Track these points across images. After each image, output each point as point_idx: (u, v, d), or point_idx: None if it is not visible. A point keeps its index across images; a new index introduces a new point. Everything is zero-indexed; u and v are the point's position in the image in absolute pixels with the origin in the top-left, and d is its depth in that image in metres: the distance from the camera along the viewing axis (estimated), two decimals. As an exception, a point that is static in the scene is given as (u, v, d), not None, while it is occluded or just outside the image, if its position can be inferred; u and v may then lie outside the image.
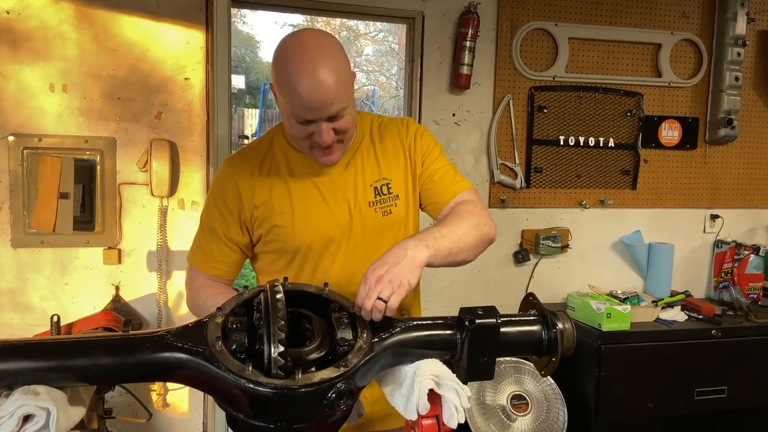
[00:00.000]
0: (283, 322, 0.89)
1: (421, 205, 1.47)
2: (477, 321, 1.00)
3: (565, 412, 2.54)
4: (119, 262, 2.35)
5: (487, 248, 1.37)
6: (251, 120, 12.75)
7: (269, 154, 1.40)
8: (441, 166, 1.44)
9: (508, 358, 2.55)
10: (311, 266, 1.37)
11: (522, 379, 2.56)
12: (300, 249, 1.36)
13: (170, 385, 2.44)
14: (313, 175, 1.37)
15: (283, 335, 0.88)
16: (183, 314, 2.44)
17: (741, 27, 2.96)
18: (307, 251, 1.36)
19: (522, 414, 2.48)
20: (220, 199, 1.39)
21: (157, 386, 2.43)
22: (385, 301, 1.03)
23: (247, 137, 11.17)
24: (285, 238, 1.36)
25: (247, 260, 1.49)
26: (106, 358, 0.89)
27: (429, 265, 1.17)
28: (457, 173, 1.47)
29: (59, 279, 2.31)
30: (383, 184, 1.39)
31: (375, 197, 1.38)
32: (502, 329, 1.02)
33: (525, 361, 2.58)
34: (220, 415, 2.46)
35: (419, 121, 2.74)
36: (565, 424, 2.52)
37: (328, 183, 1.37)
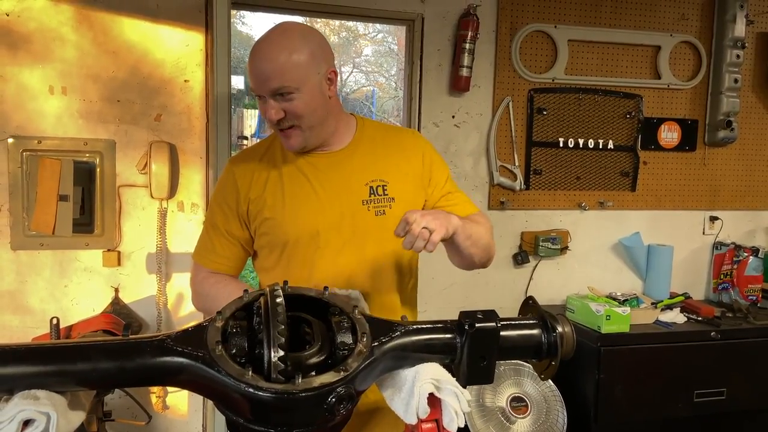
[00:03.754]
0: (283, 327, 0.89)
1: None
2: (477, 325, 1.00)
3: (565, 414, 2.54)
4: (119, 264, 2.35)
5: (487, 265, 1.45)
6: (251, 121, 12.73)
7: (269, 152, 1.44)
8: (455, 190, 1.51)
9: (508, 360, 2.55)
10: (299, 260, 1.38)
11: (521, 381, 2.56)
12: (288, 242, 1.38)
13: (170, 387, 2.44)
14: (308, 171, 1.40)
15: (283, 340, 0.88)
16: (182, 316, 2.44)
17: (740, 29, 2.97)
18: (295, 244, 1.38)
19: (521, 416, 2.48)
20: (221, 196, 1.45)
21: (156, 389, 2.43)
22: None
23: (246, 138, 11.16)
24: (274, 231, 1.38)
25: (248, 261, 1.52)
26: (107, 362, 0.89)
27: (453, 237, 1.25)
28: (468, 198, 1.54)
29: (59, 281, 2.31)
30: (379, 185, 1.40)
31: (369, 196, 1.39)
32: (501, 333, 1.02)
33: (525, 363, 2.58)
34: (220, 417, 2.46)
35: (419, 123, 2.75)
36: (565, 426, 2.52)
37: (321, 178, 1.39)
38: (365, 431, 1.40)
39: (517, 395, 2.52)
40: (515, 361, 2.58)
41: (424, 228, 1.16)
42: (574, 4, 2.86)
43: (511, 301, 2.84)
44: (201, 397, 2.48)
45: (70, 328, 2.05)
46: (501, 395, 2.50)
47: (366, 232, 1.39)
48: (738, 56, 2.98)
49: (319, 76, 1.31)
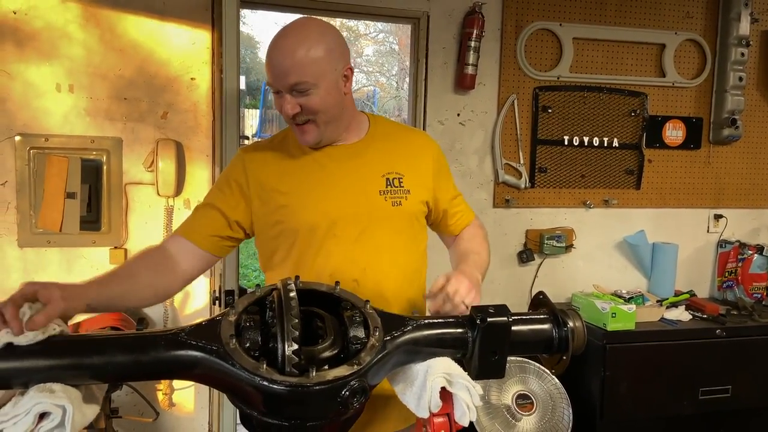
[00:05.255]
0: (296, 320, 0.89)
1: (429, 219, 1.53)
2: (488, 319, 1.01)
3: (570, 411, 2.54)
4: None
5: None
6: (252, 120, 12.75)
7: (283, 143, 1.45)
8: (458, 194, 1.56)
9: (513, 358, 2.55)
10: (314, 249, 1.37)
11: (527, 379, 2.56)
12: (304, 230, 1.37)
13: (176, 384, 2.45)
14: (324, 161, 1.40)
15: (297, 333, 0.88)
16: (189, 314, 2.45)
17: (745, 27, 2.96)
18: (311, 232, 1.37)
19: (527, 413, 2.49)
20: (223, 180, 1.44)
21: (163, 386, 2.44)
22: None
23: (247, 138, 11.17)
24: (290, 218, 1.38)
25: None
26: (122, 356, 0.90)
27: None
28: (466, 202, 1.60)
29: (65, 278, 2.30)
30: (395, 177, 1.41)
31: (386, 187, 1.40)
32: (513, 327, 1.03)
33: (530, 361, 2.58)
34: (227, 414, 2.47)
35: (424, 121, 2.75)
36: (570, 424, 2.52)
37: (338, 168, 1.40)
38: (376, 424, 1.40)
39: (522, 393, 2.52)
40: (521, 359, 2.58)
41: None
42: (579, 2, 2.86)
43: (516, 299, 2.84)
44: (207, 395, 2.49)
45: (78, 325, 2.05)
46: (506, 393, 2.51)
47: (382, 222, 1.39)
48: (743, 54, 2.98)
49: (336, 73, 1.32)
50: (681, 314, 2.77)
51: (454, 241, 1.57)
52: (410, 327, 1.02)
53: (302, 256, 1.38)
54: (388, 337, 0.98)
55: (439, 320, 1.05)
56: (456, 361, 1.05)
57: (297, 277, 1.06)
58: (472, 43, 2.66)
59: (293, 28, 1.31)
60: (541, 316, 1.08)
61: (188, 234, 1.38)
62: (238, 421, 1.09)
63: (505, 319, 1.02)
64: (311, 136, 1.35)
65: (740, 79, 3.00)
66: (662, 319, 2.73)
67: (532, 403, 2.51)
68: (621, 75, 2.96)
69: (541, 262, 2.95)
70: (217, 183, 1.46)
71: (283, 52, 1.27)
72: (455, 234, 1.57)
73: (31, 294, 0.97)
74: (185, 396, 2.47)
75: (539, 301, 1.13)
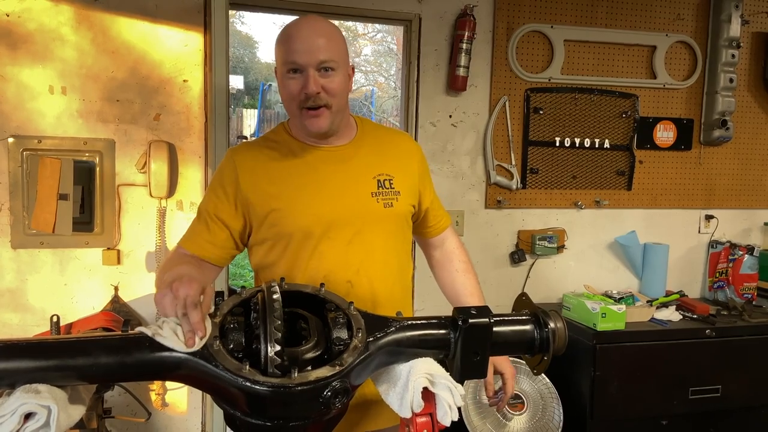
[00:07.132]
0: (279, 322, 0.91)
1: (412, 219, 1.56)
2: (470, 320, 1.02)
3: (561, 411, 2.56)
4: (118, 262, 2.37)
5: None
6: (250, 120, 12.77)
7: (272, 144, 1.45)
8: (435, 197, 1.61)
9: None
10: (308, 251, 1.38)
11: (518, 379, 2.58)
12: (297, 233, 1.38)
13: (169, 384, 2.46)
14: (316, 163, 1.41)
15: (280, 335, 0.90)
16: (181, 314, 2.46)
17: (735, 29, 2.98)
18: (305, 235, 1.38)
19: (518, 413, 2.50)
20: (217, 183, 1.43)
21: (156, 386, 2.45)
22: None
23: (245, 138, 11.19)
24: (283, 222, 1.38)
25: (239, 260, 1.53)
26: (106, 357, 0.91)
27: None
28: (442, 206, 1.65)
29: (58, 279, 2.33)
30: (386, 179, 1.44)
31: (378, 189, 1.42)
32: (495, 328, 1.05)
33: (521, 361, 2.60)
34: (219, 414, 2.48)
35: (416, 123, 2.77)
36: (561, 423, 2.54)
37: (330, 170, 1.41)
38: (363, 424, 1.41)
39: (513, 392, 2.54)
40: (512, 359, 2.59)
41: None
42: (570, 4, 2.88)
43: (508, 299, 2.85)
44: (200, 395, 2.50)
45: (70, 326, 2.06)
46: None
47: (375, 224, 1.41)
48: (733, 56, 3.00)
49: (348, 65, 1.40)
50: (671, 314, 2.79)
51: (439, 255, 1.64)
52: (393, 328, 1.03)
53: (296, 259, 1.38)
54: (371, 338, 1.00)
55: (422, 321, 1.07)
56: (438, 362, 1.06)
57: (282, 279, 1.08)
58: (464, 45, 2.68)
59: (312, 17, 1.37)
60: (523, 317, 1.10)
61: (200, 251, 1.38)
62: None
63: (487, 320, 1.03)
64: (324, 121, 1.35)
65: (731, 80, 3.02)
66: (652, 319, 2.75)
67: (522, 403, 2.53)
68: (612, 77, 2.98)
69: (533, 263, 2.97)
70: (213, 188, 1.43)
71: (314, 29, 1.32)
72: (432, 237, 1.61)
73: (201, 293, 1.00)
74: (178, 396, 2.48)
75: (522, 303, 1.15)
